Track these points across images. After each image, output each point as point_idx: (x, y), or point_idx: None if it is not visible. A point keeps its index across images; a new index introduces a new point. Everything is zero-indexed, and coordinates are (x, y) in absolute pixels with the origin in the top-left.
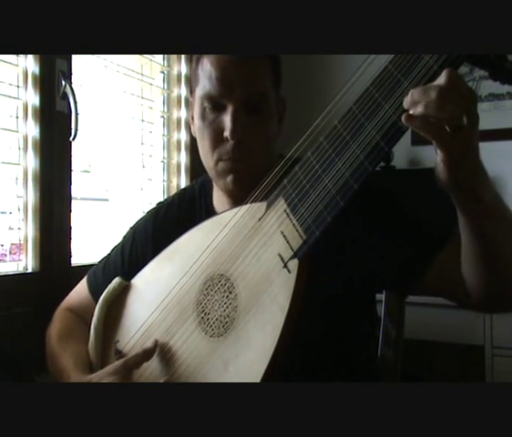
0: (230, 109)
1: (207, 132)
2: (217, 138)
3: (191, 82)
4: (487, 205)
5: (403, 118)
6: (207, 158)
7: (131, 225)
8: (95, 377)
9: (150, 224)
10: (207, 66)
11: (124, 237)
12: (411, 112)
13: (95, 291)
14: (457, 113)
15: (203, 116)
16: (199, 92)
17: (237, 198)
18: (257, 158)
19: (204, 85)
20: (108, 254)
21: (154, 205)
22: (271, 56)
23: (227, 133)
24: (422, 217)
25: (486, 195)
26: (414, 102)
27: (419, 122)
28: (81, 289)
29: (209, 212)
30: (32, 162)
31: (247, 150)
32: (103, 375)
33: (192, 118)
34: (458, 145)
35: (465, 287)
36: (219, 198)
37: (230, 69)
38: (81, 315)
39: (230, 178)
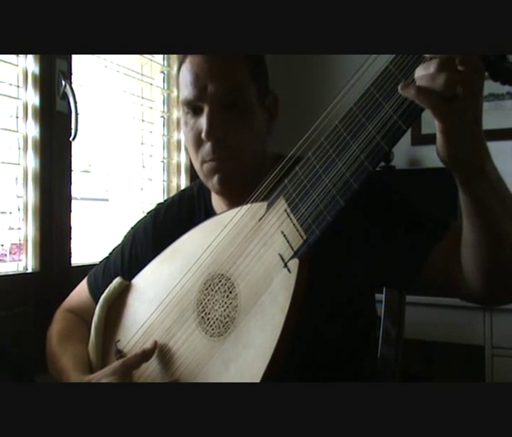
0: (205, 110)
1: (189, 136)
2: (198, 141)
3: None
4: (491, 182)
5: (399, 87)
6: (194, 162)
7: (131, 225)
8: (94, 378)
9: (150, 225)
10: (184, 73)
11: (124, 238)
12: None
13: (95, 293)
14: (451, 83)
15: (186, 122)
16: (180, 99)
17: (233, 199)
18: (241, 155)
19: (183, 91)
20: (108, 256)
21: (154, 205)
22: None
23: (203, 134)
24: (419, 210)
25: (489, 171)
26: (417, 77)
27: (414, 91)
28: (81, 291)
29: (209, 213)
30: (32, 162)
31: (227, 148)
32: (102, 376)
33: None
34: (455, 115)
35: (463, 278)
36: (217, 199)
37: (202, 71)
38: (81, 316)
39: (215, 179)
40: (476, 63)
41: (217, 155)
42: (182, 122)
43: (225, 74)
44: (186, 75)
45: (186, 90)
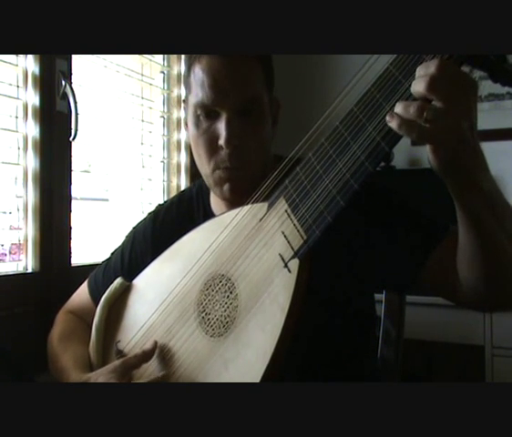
0: (224, 117)
1: (201, 140)
2: (212, 147)
3: (184, 88)
4: (485, 193)
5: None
6: (203, 166)
7: (132, 226)
8: (93, 375)
9: (149, 227)
10: (199, 74)
11: (124, 240)
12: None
13: (95, 295)
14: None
15: (197, 124)
16: (192, 99)
17: (234, 203)
18: (253, 164)
19: (197, 93)
20: (109, 258)
21: (154, 205)
22: (261, 58)
23: (222, 141)
24: (419, 213)
25: (483, 182)
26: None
27: (390, 121)
28: (82, 293)
29: (207, 214)
30: (32, 162)
31: (243, 157)
32: (101, 374)
33: (186, 124)
34: (437, 134)
35: (460, 284)
36: (216, 201)
37: (221, 76)
38: (82, 317)
39: (226, 187)
40: (446, 83)
41: (232, 163)
42: (191, 123)
43: (246, 83)
44: (202, 76)
45: (202, 92)
